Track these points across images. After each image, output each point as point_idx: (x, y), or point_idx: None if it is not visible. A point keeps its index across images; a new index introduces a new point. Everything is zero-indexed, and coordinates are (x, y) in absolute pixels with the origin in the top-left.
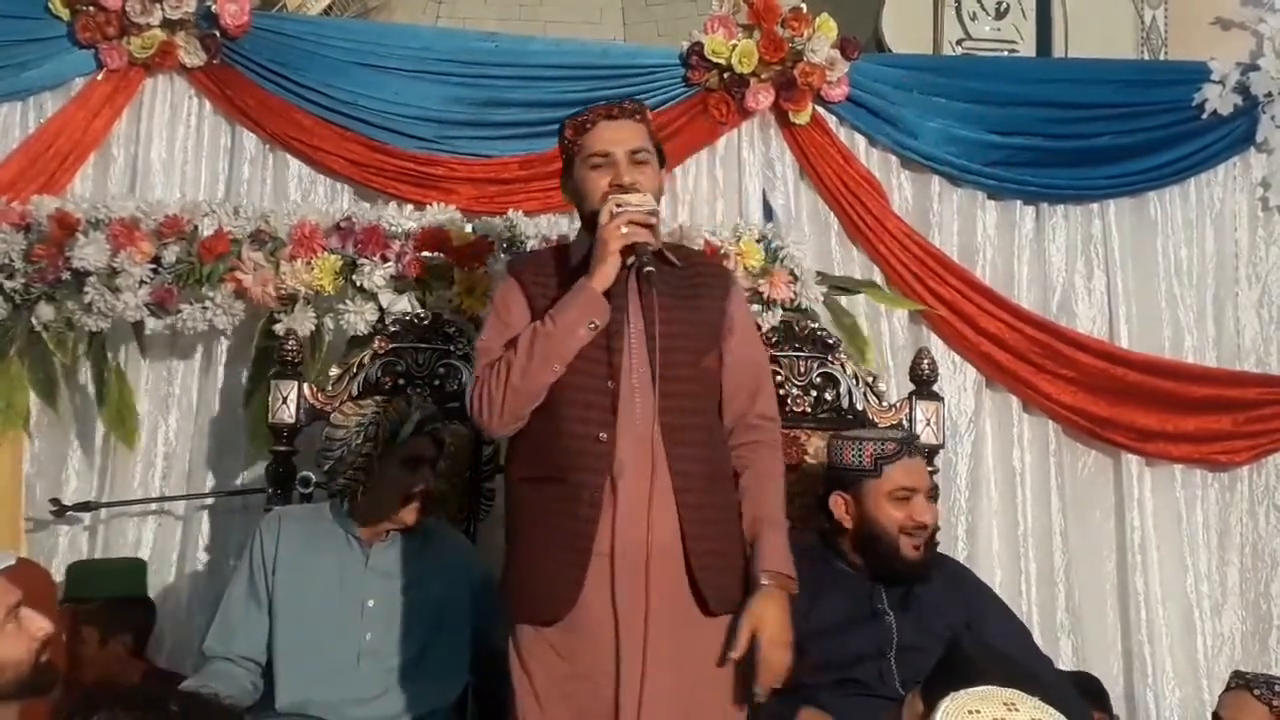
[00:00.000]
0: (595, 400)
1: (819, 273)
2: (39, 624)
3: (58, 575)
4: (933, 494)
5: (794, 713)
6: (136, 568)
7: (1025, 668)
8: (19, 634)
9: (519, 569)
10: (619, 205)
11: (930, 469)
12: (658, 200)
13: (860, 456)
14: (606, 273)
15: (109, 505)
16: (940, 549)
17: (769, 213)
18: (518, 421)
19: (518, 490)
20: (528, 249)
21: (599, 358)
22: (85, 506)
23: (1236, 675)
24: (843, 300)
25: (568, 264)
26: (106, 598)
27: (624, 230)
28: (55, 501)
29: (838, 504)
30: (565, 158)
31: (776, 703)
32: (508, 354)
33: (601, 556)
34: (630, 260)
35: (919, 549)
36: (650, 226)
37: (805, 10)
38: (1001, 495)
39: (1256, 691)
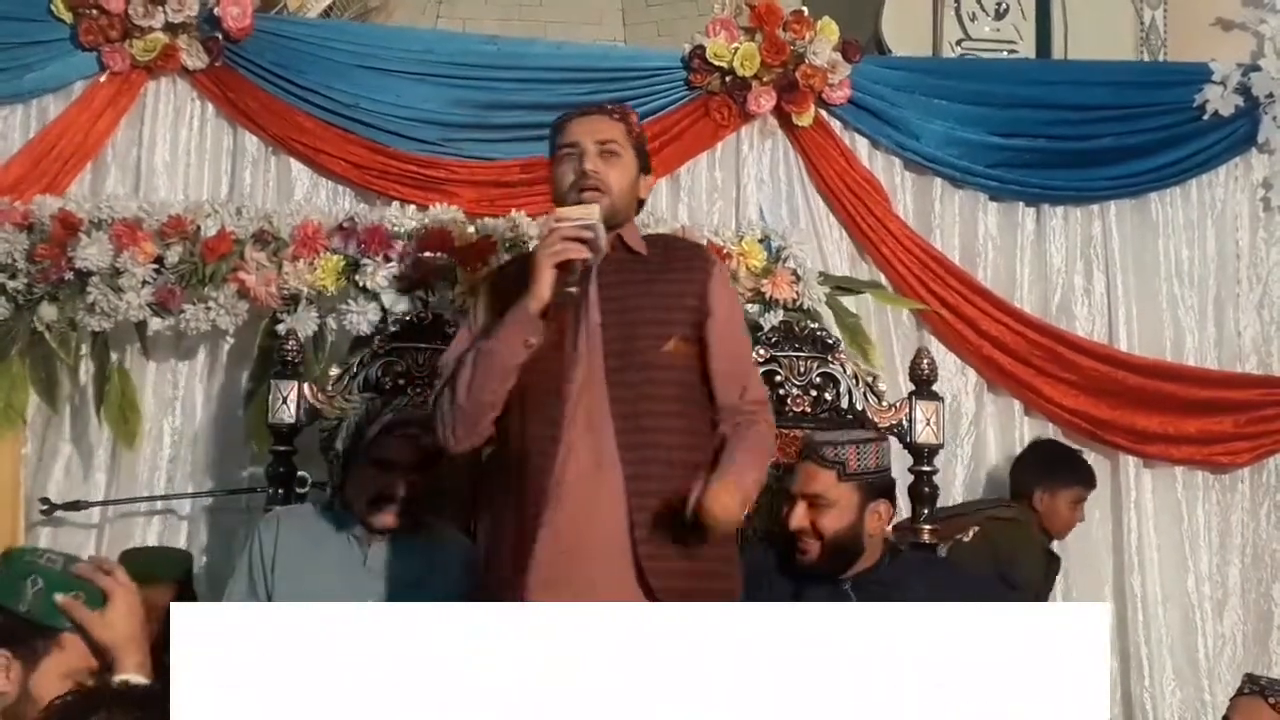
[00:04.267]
0: (549, 401)
1: (821, 273)
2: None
3: None
4: (820, 501)
5: None
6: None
7: None
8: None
9: (483, 589)
10: (557, 220)
11: (928, 469)
12: (638, 208)
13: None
14: (540, 292)
15: (101, 504)
16: (941, 552)
17: (770, 215)
18: (474, 437)
19: (490, 497)
20: (530, 250)
21: (554, 358)
22: (74, 506)
23: (1250, 680)
24: (844, 300)
25: None
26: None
27: (557, 248)
28: (45, 501)
29: None
30: (551, 160)
31: None
32: (457, 372)
33: (547, 559)
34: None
35: (805, 554)
36: (586, 241)
37: (806, 13)
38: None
39: (1271, 700)
